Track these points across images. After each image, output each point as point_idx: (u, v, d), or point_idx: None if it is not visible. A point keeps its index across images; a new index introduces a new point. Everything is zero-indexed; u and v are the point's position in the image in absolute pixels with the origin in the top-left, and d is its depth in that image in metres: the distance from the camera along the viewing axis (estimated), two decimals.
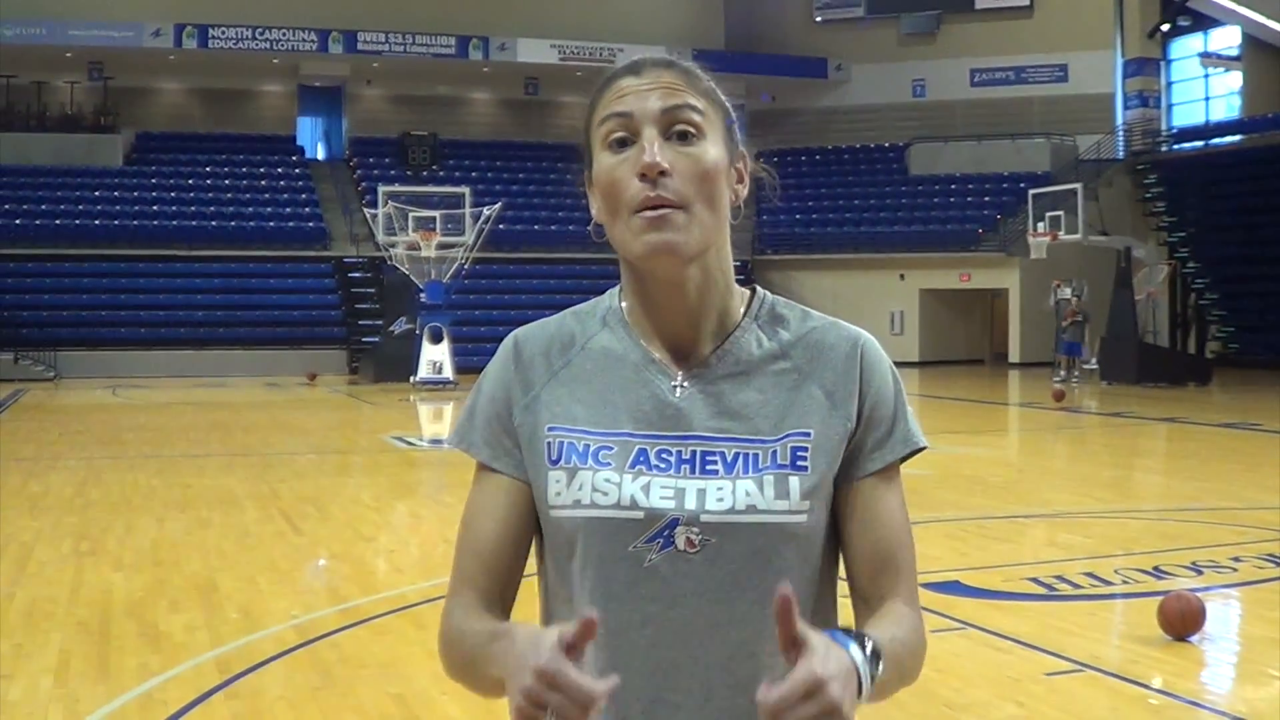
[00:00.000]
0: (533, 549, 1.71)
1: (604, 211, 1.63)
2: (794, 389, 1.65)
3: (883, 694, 1.52)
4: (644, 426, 1.63)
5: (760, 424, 1.63)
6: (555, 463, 1.64)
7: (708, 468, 1.60)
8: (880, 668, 1.46)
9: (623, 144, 1.60)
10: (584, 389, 1.67)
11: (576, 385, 1.67)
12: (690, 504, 1.58)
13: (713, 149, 1.61)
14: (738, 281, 1.70)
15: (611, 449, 1.62)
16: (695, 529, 1.57)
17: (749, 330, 1.68)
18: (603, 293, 1.75)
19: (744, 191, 1.68)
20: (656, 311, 1.66)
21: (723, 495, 1.58)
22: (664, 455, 1.61)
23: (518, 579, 1.69)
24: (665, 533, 1.57)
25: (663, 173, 1.56)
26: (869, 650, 1.44)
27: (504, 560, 1.67)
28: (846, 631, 1.47)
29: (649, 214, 1.57)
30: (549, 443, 1.65)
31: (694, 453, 1.61)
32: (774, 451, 1.61)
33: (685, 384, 1.65)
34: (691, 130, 1.60)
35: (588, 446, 1.63)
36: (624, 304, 1.72)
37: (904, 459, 1.70)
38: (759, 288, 1.75)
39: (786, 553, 1.59)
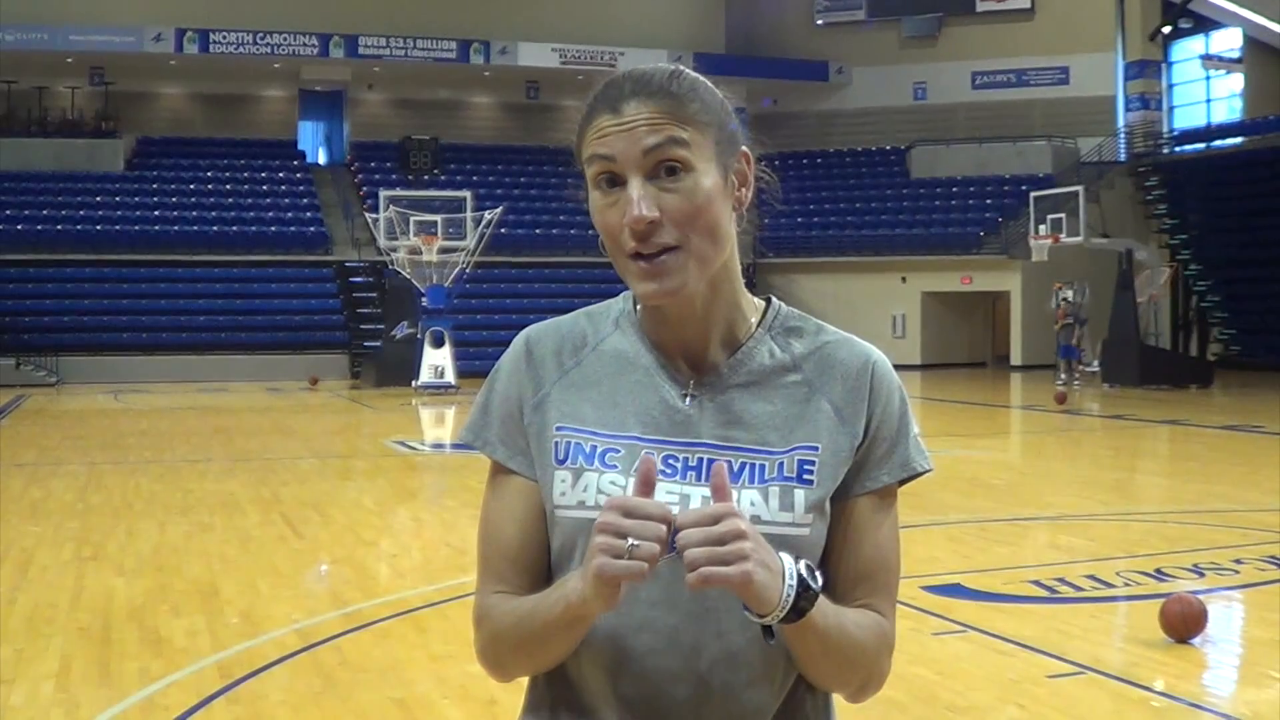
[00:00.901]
0: None
1: (604, 243, 1.62)
2: (803, 402, 1.65)
3: (826, 650, 1.55)
4: (652, 431, 1.63)
5: (768, 435, 1.63)
6: (562, 462, 1.64)
7: None
8: (820, 582, 1.51)
9: (612, 183, 1.58)
10: (594, 390, 1.67)
11: (586, 386, 1.67)
12: None
13: (703, 178, 1.57)
14: (746, 287, 1.69)
15: (618, 451, 1.62)
16: None
17: (762, 341, 1.68)
18: (605, 296, 1.75)
19: (748, 195, 1.66)
20: (665, 321, 1.66)
21: None
22: (670, 461, 1.61)
23: (546, 575, 1.68)
24: (669, 538, 1.57)
25: (652, 222, 1.54)
26: (803, 563, 1.51)
27: (531, 557, 1.68)
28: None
29: (644, 264, 1.56)
30: (556, 442, 1.65)
31: (700, 460, 1.61)
32: (781, 463, 1.61)
33: (695, 391, 1.65)
34: (678, 165, 1.56)
35: (594, 448, 1.63)
36: (637, 308, 1.71)
37: (903, 482, 1.69)
38: (774, 298, 1.75)
39: None
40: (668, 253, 1.56)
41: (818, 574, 1.52)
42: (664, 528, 1.43)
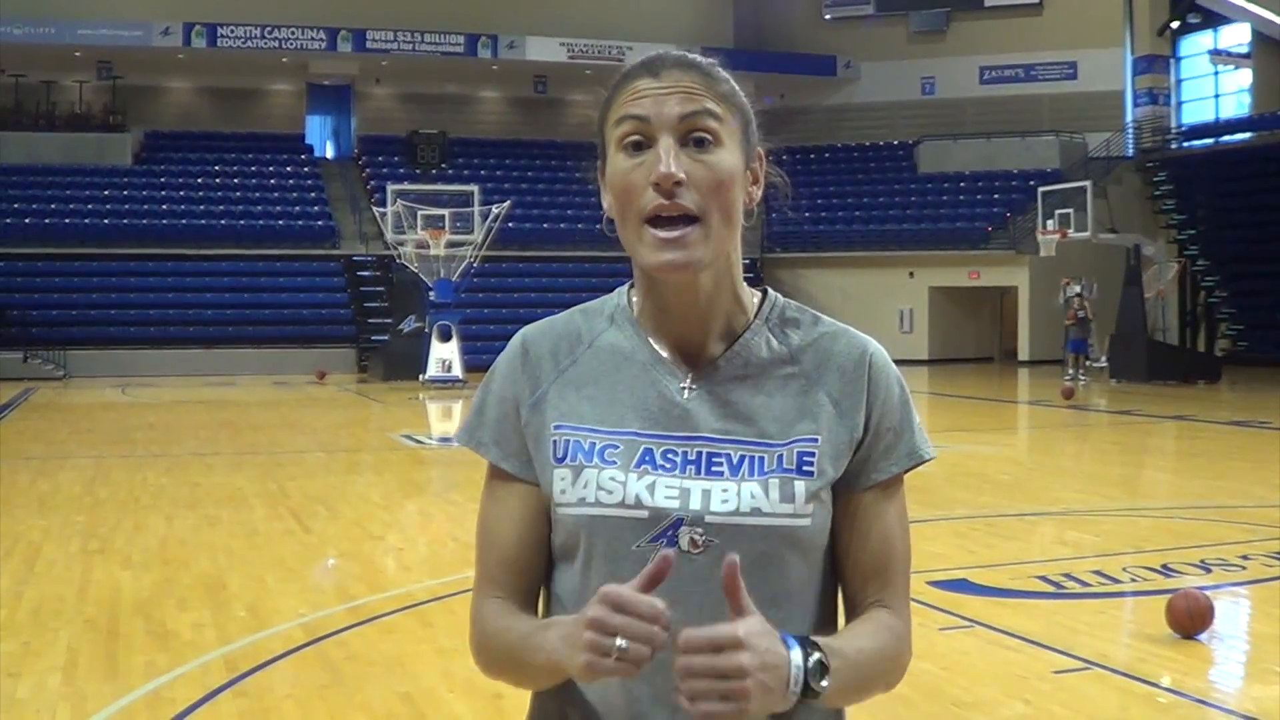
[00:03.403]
0: None
1: (616, 212, 1.61)
2: (801, 394, 1.64)
3: (845, 699, 1.56)
4: (650, 426, 1.62)
5: (767, 427, 1.62)
6: (561, 461, 1.63)
7: (713, 469, 1.59)
8: (825, 682, 1.47)
9: (638, 147, 1.58)
10: (591, 387, 1.66)
11: (584, 384, 1.67)
12: (695, 504, 1.57)
13: (729, 156, 1.58)
14: (747, 281, 1.69)
15: (618, 448, 1.61)
16: (699, 529, 1.56)
17: (759, 333, 1.67)
18: (613, 290, 1.74)
19: (758, 193, 1.66)
20: (666, 312, 1.65)
21: (728, 497, 1.57)
22: (670, 455, 1.60)
23: (543, 576, 1.69)
24: (669, 532, 1.57)
25: (678, 183, 1.54)
26: (813, 661, 1.47)
27: (527, 560, 1.68)
28: (800, 638, 1.48)
29: (663, 233, 1.55)
30: (555, 441, 1.64)
31: (700, 454, 1.61)
32: (780, 455, 1.60)
33: (693, 385, 1.64)
34: (708, 137, 1.57)
35: (594, 445, 1.62)
36: (633, 302, 1.71)
37: (908, 470, 1.70)
38: (770, 289, 1.74)
39: (789, 556, 1.58)
40: (688, 224, 1.55)
41: (823, 653, 1.49)
42: (656, 629, 1.40)
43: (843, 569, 1.67)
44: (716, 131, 1.58)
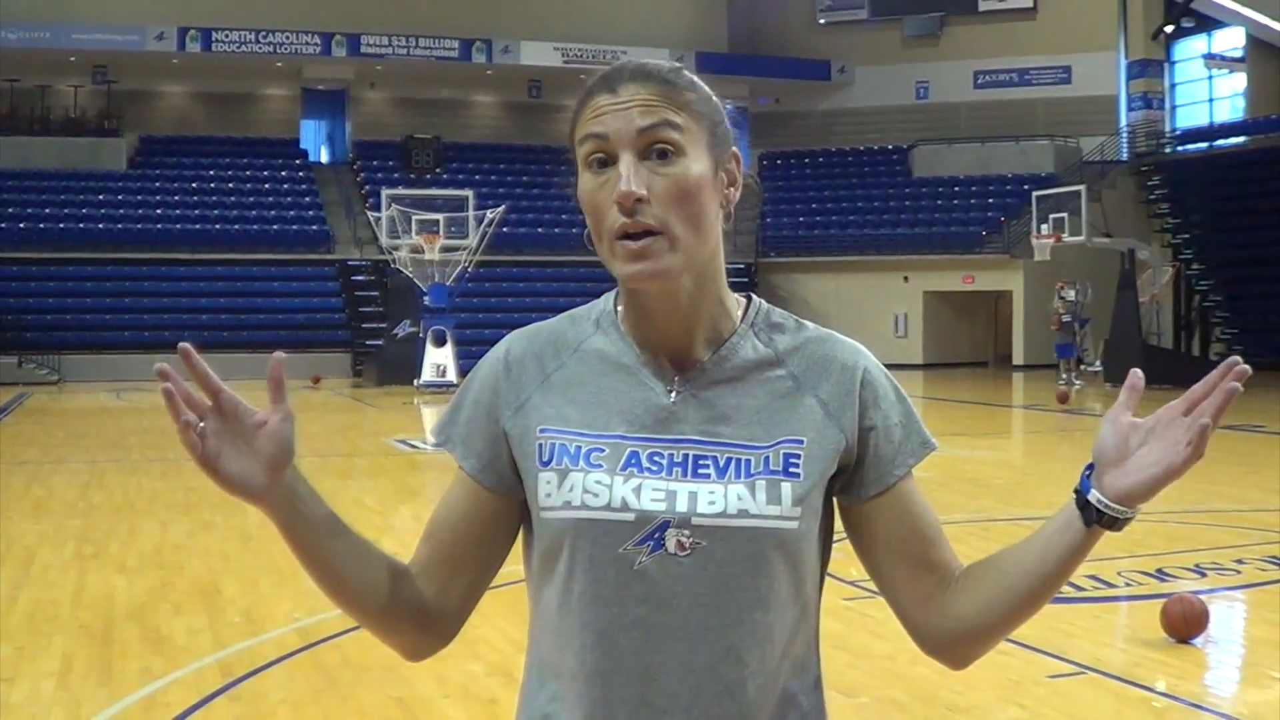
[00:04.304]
0: (522, 554, 1.72)
1: (590, 228, 1.62)
2: (788, 396, 1.65)
3: (1049, 592, 1.73)
4: (636, 429, 1.62)
5: (754, 430, 1.62)
6: (546, 464, 1.63)
7: (699, 471, 1.59)
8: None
9: (602, 164, 1.58)
10: (577, 391, 1.66)
11: (570, 388, 1.67)
12: (681, 506, 1.57)
13: (694, 165, 1.58)
14: (740, 285, 1.69)
15: (603, 451, 1.61)
16: (686, 532, 1.56)
17: (745, 337, 1.68)
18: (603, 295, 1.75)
19: (736, 195, 1.66)
20: (650, 319, 1.65)
21: (714, 499, 1.57)
22: (656, 458, 1.60)
23: (462, 568, 1.71)
24: (656, 535, 1.57)
25: (640, 199, 1.55)
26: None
27: (443, 540, 1.72)
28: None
29: (630, 244, 1.56)
30: (540, 444, 1.64)
31: (686, 456, 1.61)
32: (766, 457, 1.61)
33: (679, 388, 1.64)
34: (670, 148, 1.57)
35: (579, 448, 1.62)
36: (619, 309, 1.71)
37: (922, 459, 1.72)
38: (754, 296, 1.74)
39: (776, 559, 1.58)
40: (651, 236, 1.56)
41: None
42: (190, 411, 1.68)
43: (914, 556, 1.68)
44: (677, 141, 1.58)
